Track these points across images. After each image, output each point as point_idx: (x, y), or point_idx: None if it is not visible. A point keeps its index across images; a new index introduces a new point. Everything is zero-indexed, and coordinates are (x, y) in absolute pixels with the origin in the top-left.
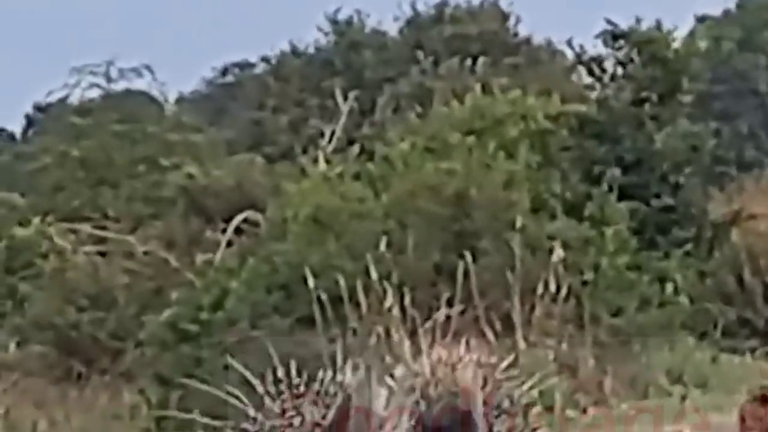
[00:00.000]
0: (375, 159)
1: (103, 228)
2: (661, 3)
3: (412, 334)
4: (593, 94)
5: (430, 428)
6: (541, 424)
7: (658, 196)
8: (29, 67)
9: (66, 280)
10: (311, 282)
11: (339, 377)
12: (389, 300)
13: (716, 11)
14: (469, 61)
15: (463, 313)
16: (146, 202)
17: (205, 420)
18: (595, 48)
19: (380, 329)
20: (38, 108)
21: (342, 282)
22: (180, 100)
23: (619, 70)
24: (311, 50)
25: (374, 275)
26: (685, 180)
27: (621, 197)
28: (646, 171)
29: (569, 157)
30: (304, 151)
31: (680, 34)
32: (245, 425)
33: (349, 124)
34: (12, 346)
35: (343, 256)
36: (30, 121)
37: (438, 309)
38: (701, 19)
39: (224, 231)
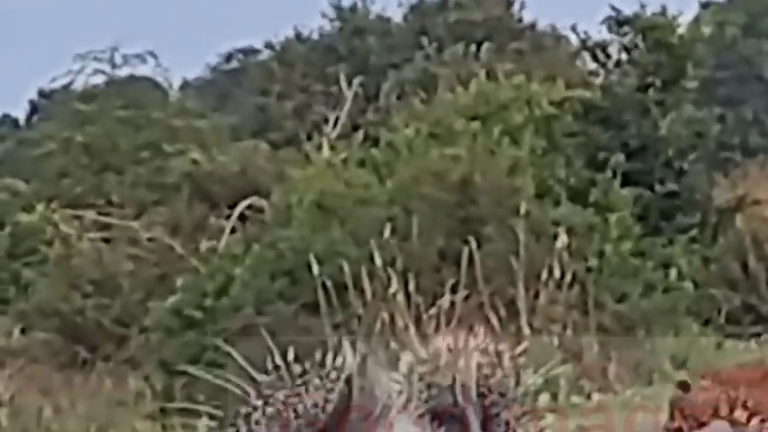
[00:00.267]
0: (379, 145)
1: (108, 214)
2: None
3: (417, 320)
4: (598, 80)
5: (436, 415)
6: (546, 410)
7: (662, 182)
8: (33, 54)
9: (70, 267)
10: (316, 268)
11: (340, 361)
12: (394, 286)
13: None
14: (473, 47)
15: (467, 299)
16: (150, 188)
17: (208, 409)
18: (600, 34)
19: (385, 315)
20: (42, 94)
21: (346, 268)
22: (184, 86)
23: (624, 56)
24: (315, 36)
25: (379, 261)
26: (690, 166)
27: (625, 183)
28: (651, 157)
29: (574, 142)
30: (309, 137)
31: (685, 19)
32: (246, 410)
33: (354, 110)
34: (16, 332)
35: (347, 243)
36: (34, 107)
37: (442, 295)
38: (705, 5)
39: (229, 217)
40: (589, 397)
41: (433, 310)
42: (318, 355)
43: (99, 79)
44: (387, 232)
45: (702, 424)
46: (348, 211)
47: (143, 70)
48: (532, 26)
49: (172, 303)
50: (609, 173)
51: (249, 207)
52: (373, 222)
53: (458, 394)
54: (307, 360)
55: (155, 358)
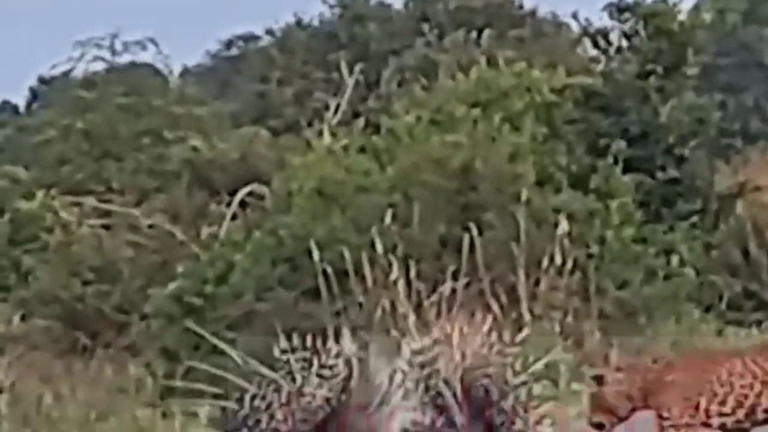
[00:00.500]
0: (380, 132)
1: (108, 201)
2: None
3: (418, 307)
4: (598, 67)
5: (436, 404)
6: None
7: (663, 168)
8: (34, 40)
9: (71, 254)
10: (316, 255)
11: (338, 348)
12: (394, 273)
13: None
14: (474, 34)
15: (468, 286)
16: (151, 174)
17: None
18: (601, 20)
19: (385, 302)
20: (42, 81)
21: (347, 255)
22: (185, 73)
23: (625, 43)
24: (316, 23)
25: (379, 248)
26: (691, 152)
27: (626, 170)
28: (652, 143)
29: (574, 129)
30: (309, 124)
31: (685, 6)
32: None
33: (355, 96)
34: (17, 319)
35: (348, 229)
36: (34, 94)
37: (443, 282)
38: None
39: (229, 204)
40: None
41: (434, 297)
42: (318, 342)
43: (99, 66)
44: (388, 219)
45: (623, 419)
46: (349, 197)
47: (144, 57)
48: (533, 13)
49: (172, 290)
50: (610, 160)
51: (250, 194)
52: (373, 209)
53: (458, 383)
54: (307, 347)
55: (156, 344)
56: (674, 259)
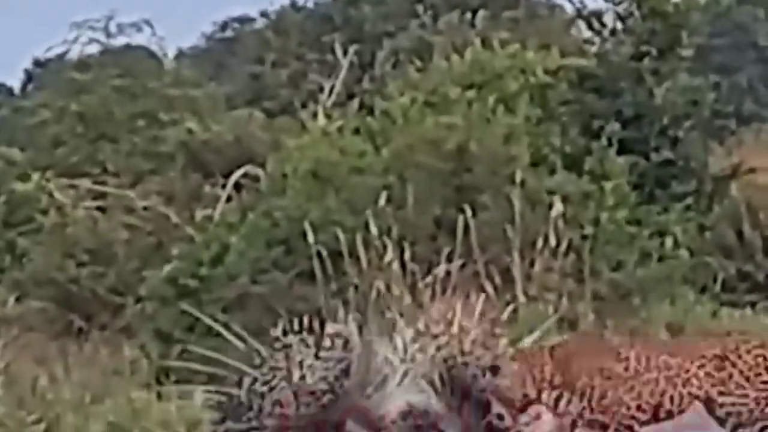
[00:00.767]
0: (375, 113)
1: (103, 183)
2: None
3: (412, 289)
4: (593, 49)
5: (433, 384)
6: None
7: (657, 150)
8: (29, 23)
9: (66, 235)
10: (311, 237)
11: (335, 330)
12: (389, 255)
13: None
14: (468, 15)
15: (463, 267)
16: (146, 157)
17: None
18: (595, 2)
19: (380, 284)
20: (37, 63)
21: (342, 237)
22: (179, 55)
23: (619, 25)
24: (311, 5)
25: (374, 230)
26: (685, 134)
27: (620, 151)
28: (646, 125)
29: (569, 111)
30: (304, 106)
31: None
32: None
33: (349, 78)
34: (11, 301)
35: (343, 211)
36: (29, 76)
37: (438, 264)
38: None
39: (224, 186)
40: None
41: (428, 279)
42: (316, 324)
43: (94, 48)
44: (382, 201)
45: (520, 410)
46: (343, 179)
47: (139, 39)
48: None
49: (167, 272)
50: (604, 141)
51: (244, 175)
52: (368, 190)
53: (454, 363)
54: (304, 329)
55: (151, 326)
56: (668, 241)
